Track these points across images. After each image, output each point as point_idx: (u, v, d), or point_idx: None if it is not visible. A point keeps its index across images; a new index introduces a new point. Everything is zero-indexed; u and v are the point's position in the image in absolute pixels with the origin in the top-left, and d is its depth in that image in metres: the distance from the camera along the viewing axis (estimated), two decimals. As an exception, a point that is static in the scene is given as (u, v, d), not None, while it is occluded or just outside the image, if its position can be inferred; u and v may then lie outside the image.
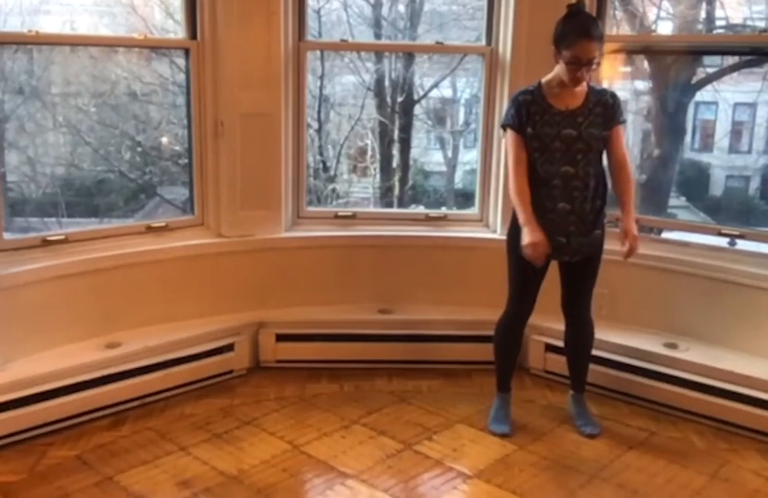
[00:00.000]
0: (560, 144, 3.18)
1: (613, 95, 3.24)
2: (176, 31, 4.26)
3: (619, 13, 4.88)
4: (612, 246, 3.98)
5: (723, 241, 3.88)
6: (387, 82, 6.35)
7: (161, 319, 3.87)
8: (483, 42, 4.25)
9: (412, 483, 3.08)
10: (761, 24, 4.67)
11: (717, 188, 6.25)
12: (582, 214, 3.22)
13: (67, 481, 2.98)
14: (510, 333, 3.49)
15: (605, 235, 3.34)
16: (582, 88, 3.19)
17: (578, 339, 3.51)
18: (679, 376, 3.60)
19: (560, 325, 3.54)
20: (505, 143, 3.37)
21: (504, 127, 3.29)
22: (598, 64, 3.17)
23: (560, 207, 3.20)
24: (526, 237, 3.12)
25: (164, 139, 5.42)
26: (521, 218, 3.17)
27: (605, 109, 3.20)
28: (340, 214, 4.39)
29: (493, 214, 4.32)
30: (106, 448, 3.25)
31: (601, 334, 3.56)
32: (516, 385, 3.86)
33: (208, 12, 3.87)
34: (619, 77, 4.93)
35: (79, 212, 5.05)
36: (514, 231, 3.27)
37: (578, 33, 3.05)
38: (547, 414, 3.65)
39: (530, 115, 3.20)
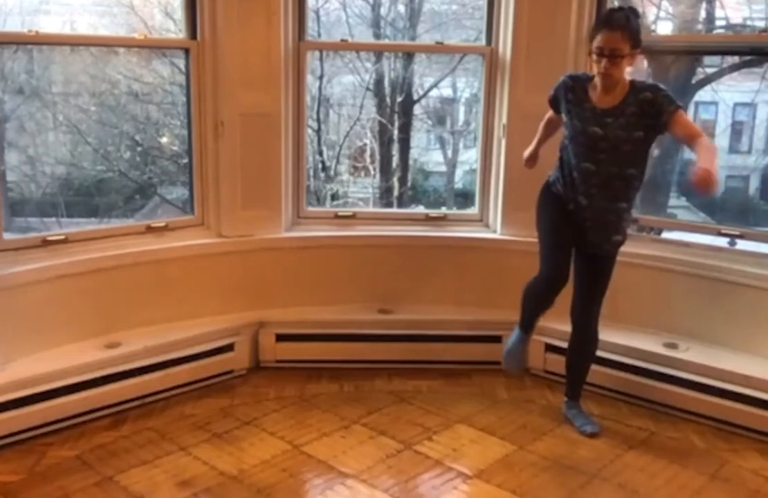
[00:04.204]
0: (584, 139, 3.19)
1: (655, 89, 3.10)
2: (176, 31, 4.26)
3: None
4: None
5: (723, 241, 3.88)
6: (386, 82, 6.36)
7: (161, 319, 3.86)
8: (483, 42, 4.25)
9: (412, 483, 3.08)
10: (761, 24, 4.68)
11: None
12: (599, 211, 3.23)
13: (67, 481, 2.98)
14: (537, 294, 3.39)
15: (624, 241, 3.32)
16: (622, 87, 3.13)
17: (581, 349, 3.51)
18: (679, 376, 3.60)
19: (560, 325, 3.54)
20: None
21: None
22: (623, 57, 3.05)
23: (579, 199, 3.25)
24: None
25: (164, 139, 5.43)
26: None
27: (642, 109, 3.10)
28: (339, 214, 4.39)
29: (493, 214, 4.32)
30: (106, 448, 3.24)
31: (601, 334, 3.55)
32: (516, 386, 3.88)
33: (208, 12, 3.87)
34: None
35: (79, 212, 5.06)
36: (542, 196, 3.40)
37: (600, 23, 3.11)
38: (547, 414, 3.64)
39: (567, 101, 3.26)
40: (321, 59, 5.66)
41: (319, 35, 5.66)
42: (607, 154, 3.15)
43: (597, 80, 3.15)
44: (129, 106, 5.15)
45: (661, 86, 3.15)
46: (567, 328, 3.56)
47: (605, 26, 3.07)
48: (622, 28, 3.05)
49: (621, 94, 3.14)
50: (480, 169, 4.36)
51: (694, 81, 5.40)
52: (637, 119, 3.11)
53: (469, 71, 6.04)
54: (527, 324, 3.51)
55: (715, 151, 2.98)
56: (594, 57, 3.09)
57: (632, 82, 3.16)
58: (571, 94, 3.25)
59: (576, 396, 3.58)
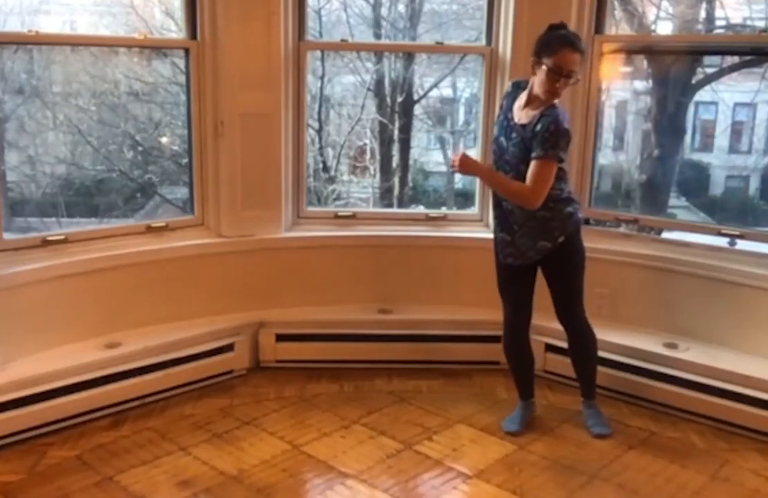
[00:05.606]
0: (496, 148, 3.29)
1: (546, 126, 3.03)
2: (177, 31, 4.26)
3: (618, 13, 4.89)
4: (611, 246, 3.99)
5: (723, 241, 3.88)
6: (387, 82, 6.36)
7: (161, 319, 3.87)
8: (483, 42, 4.25)
9: (412, 483, 3.08)
10: (761, 24, 4.67)
11: (717, 188, 6.25)
12: (521, 218, 3.23)
13: (67, 481, 2.98)
14: (509, 341, 3.50)
15: (569, 243, 3.25)
16: (542, 107, 3.09)
17: (577, 347, 3.51)
18: (679, 376, 3.60)
19: (560, 325, 3.53)
20: None
21: None
22: (577, 80, 3.12)
23: (504, 205, 3.30)
24: None
25: (164, 139, 5.43)
26: None
27: (533, 137, 3.07)
28: (340, 214, 4.39)
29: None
30: (106, 448, 3.25)
31: (601, 334, 3.55)
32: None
33: (208, 12, 3.87)
34: (619, 77, 4.93)
35: (79, 212, 5.05)
36: (494, 241, 3.45)
37: (563, 42, 3.04)
38: (547, 414, 3.64)
39: (500, 107, 3.38)
40: (322, 59, 5.66)
41: (321, 35, 5.66)
42: (510, 166, 3.20)
43: (540, 96, 3.09)
44: (129, 105, 5.14)
45: (554, 128, 3.04)
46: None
47: (569, 46, 3.03)
48: (581, 51, 3.09)
49: (536, 113, 3.11)
50: (480, 169, 4.36)
51: (694, 81, 5.40)
52: (529, 145, 3.10)
53: (469, 71, 6.04)
54: (523, 387, 3.54)
55: (503, 185, 3.20)
56: (549, 74, 3.03)
57: (551, 106, 3.11)
58: (506, 101, 3.32)
59: (590, 395, 3.55)
